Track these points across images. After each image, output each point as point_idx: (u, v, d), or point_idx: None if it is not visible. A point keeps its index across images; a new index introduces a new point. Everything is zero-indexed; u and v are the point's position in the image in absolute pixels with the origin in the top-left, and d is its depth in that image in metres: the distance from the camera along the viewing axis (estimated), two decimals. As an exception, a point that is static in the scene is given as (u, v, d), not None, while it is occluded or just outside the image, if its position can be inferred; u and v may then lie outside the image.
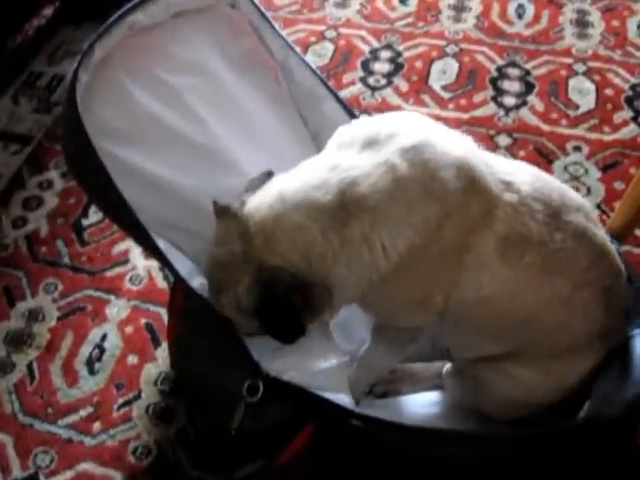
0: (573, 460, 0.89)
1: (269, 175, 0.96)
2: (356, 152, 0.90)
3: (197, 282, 1.01)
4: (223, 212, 0.93)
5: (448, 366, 1.12)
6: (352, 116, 1.21)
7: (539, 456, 0.88)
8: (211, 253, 0.94)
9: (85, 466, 1.16)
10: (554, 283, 0.90)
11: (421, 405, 1.14)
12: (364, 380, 1.12)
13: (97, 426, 1.20)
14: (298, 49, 1.23)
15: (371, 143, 0.90)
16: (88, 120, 0.97)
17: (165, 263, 1.01)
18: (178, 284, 1.10)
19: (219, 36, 1.19)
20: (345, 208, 0.86)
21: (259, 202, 0.90)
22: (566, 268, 0.90)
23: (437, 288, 0.90)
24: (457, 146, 0.90)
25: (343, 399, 0.98)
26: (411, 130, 0.91)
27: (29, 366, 1.29)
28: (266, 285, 0.88)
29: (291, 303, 0.88)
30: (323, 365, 1.03)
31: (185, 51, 1.13)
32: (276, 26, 1.22)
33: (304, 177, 0.90)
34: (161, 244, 1.00)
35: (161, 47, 1.11)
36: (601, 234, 0.94)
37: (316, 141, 1.24)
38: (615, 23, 1.92)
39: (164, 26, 1.12)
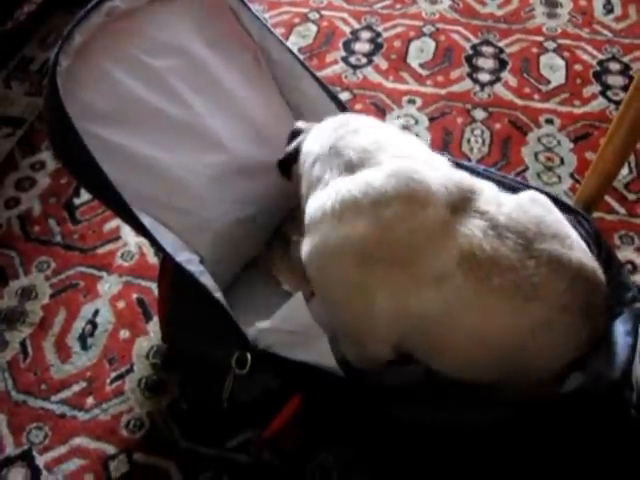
0: (558, 433, 0.82)
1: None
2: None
3: (183, 257, 0.94)
4: None
5: None
6: (329, 93, 1.15)
7: (529, 425, 0.80)
8: None
9: (79, 441, 1.04)
10: (532, 308, 0.80)
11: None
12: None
13: (90, 401, 1.09)
14: (276, 30, 1.14)
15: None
16: (70, 103, 0.88)
17: (151, 239, 0.93)
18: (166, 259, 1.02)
19: (197, 19, 1.09)
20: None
21: None
22: (542, 293, 0.80)
23: (380, 289, 0.82)
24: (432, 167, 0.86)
25: (331, 368, 0.88)
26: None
27: (22, 343, 1.16)
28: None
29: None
30: (307, 336, 0.92)
31: (164, 33, 1.04)
32: (253, 8, 1.13)
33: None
34: (146, 221, 0.93)
35: (140, 30, 1.01)
36: (577, 256, 0.83)
37: (297, 118, 1.15)
38: (582, 3, 1.80)
39: (142, 10, 1.02)
